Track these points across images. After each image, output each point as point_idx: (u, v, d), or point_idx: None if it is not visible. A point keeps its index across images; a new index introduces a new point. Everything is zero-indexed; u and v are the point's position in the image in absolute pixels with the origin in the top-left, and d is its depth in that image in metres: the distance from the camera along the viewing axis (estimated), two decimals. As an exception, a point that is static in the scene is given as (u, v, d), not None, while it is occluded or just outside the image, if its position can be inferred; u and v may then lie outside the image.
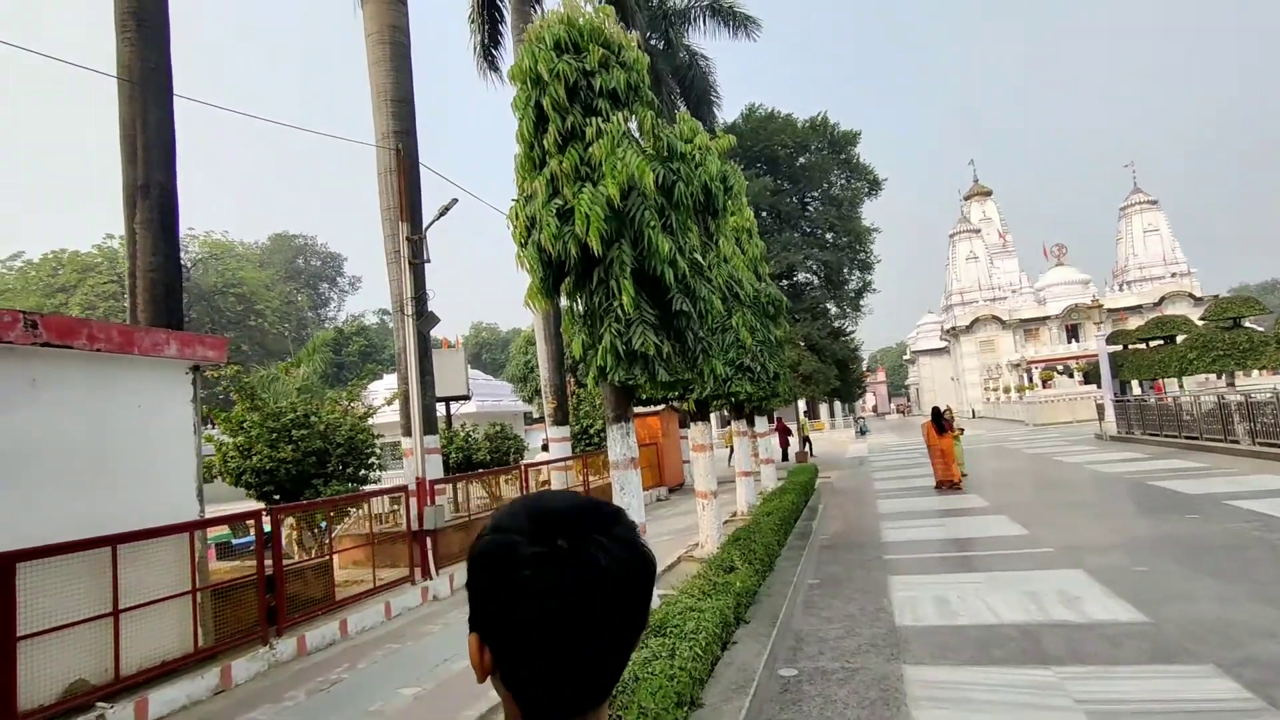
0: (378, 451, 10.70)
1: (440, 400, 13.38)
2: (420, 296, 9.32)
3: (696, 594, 5.81)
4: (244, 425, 9.27)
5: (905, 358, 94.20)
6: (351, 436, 9.63)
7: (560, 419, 16.10)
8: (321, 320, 71.62)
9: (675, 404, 21.04)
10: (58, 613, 5.19)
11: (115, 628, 5.50)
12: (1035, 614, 6.06)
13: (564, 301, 7.35)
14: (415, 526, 9.13)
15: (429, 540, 9.18)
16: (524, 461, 13.64)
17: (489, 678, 0.74)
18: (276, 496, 9.31)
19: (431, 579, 9.10)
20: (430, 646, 6.90)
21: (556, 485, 15.46)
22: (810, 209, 24.17)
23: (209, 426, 10.00)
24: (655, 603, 6.95)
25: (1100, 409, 25.35)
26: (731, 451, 24.19)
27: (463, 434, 13.23)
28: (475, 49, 19.25)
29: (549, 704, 0.71)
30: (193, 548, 6.22)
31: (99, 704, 5.29)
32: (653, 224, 6.55)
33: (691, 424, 10.49)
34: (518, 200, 7.17)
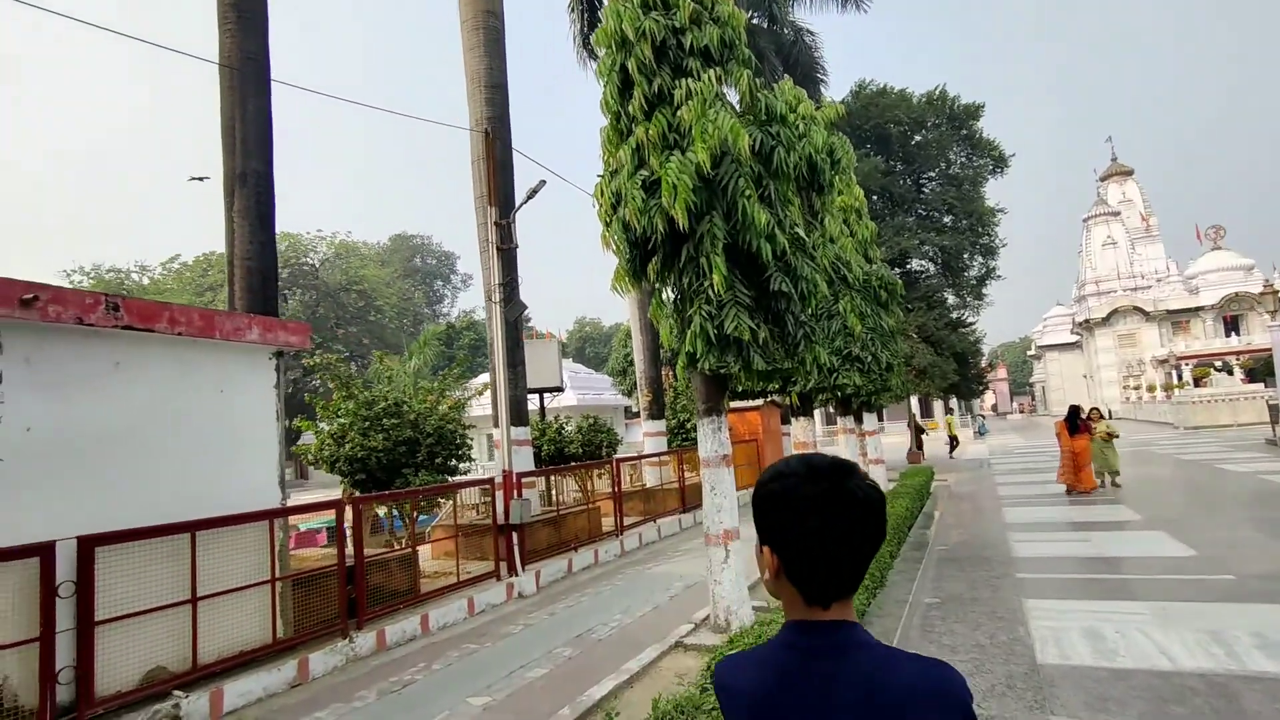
0: (469, 442, 10.55)
1: (532, 392, 13.18)
2: (508, 283, 9.03)
3: (795, 613, 5.08)
4: (339, 413, 9.31)
5: (1030, 353, 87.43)
6: (440, 426, 9.48)
7: (655, 413, 15.59)
8: (436, 316, 74.92)
9: (776, 398, 20.08)
10: (137, 598, 5.15)
11: (193, 615, 5.43)
12: (1225, 662, 4.90)
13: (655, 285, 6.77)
14: (501, 520, 8.85)
15: (514, 535, 8.87)
16: (617, 456, 13.21)
17: (774, 581, 1.10)
18: (370, 485, 9.31)
19: (517, 575, 8.79)
20: (508, 650, 6.52)
21: (650, 482, 14.95)
22: (926, 190, 22.34)
23: (305, 417, 10.17)
24: (752, 618, 6.25)
25: (1274, 410, 22.08)
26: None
27: (555, 426, 12.97)
28: (574, 38, 19.02)
29: (820, 591, 1.06)
30: (273, 535, 6.11)
31: (175, 692, 5.22)
32: (748, 193, 5.84)
33: (793, 420, 9.67)
34: (603, 176, 6.64)
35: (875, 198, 21.04)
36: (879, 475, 15.53)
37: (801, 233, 6.46)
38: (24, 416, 4.79)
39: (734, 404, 17.57)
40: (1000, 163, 22.27)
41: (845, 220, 10.03)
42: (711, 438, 6.54)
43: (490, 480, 9.02)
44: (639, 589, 8.65)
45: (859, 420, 16.42)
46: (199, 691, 5.28)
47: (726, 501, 6.47)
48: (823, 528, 1.02)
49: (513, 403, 11.11)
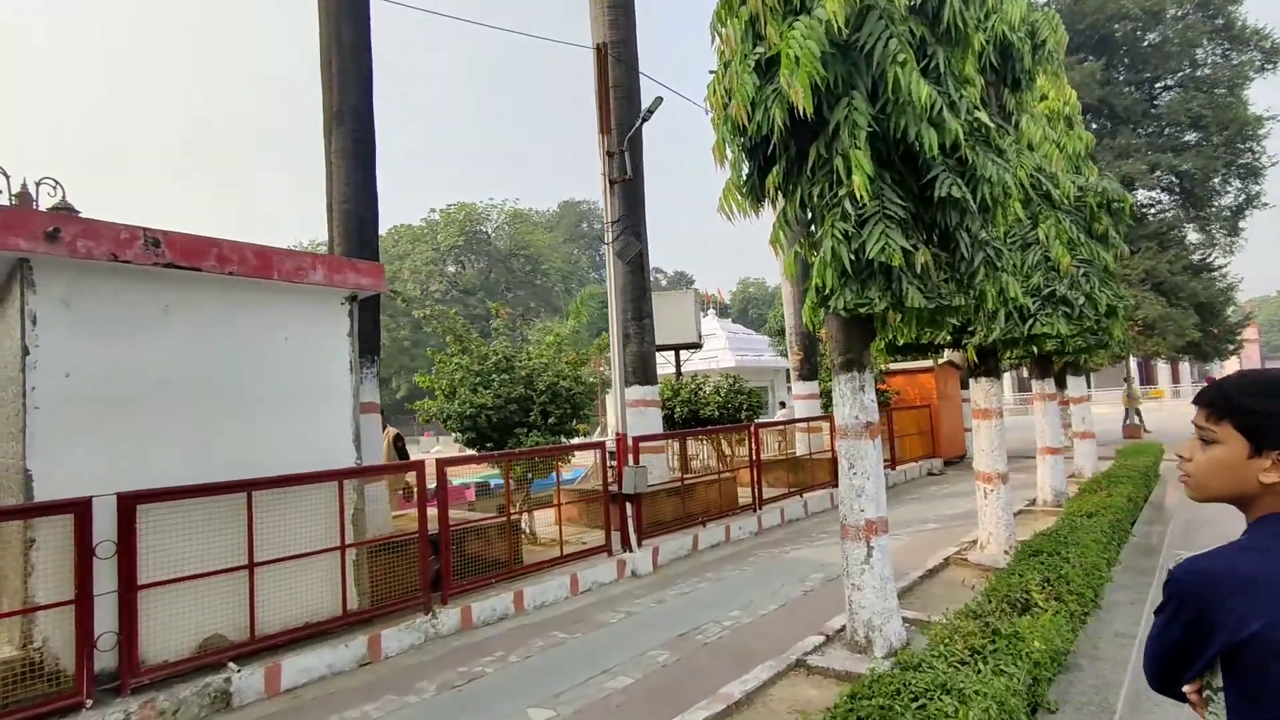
0: (594, 402, 9.69)
1: (665, 348, 12.08)
2: (624, 220, 7.89)
3: (961, 653, 3.52)
4: (453, 369, 8.80)
5: (1292, 309, 72.02)
6: (554, 383, 8.66)
7: (807, 373, 13.89)
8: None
9: (954, 358, 17.37)
10: (187, 562, 4.73)
11: (250, 582, 4.95)
12: None
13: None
14: (615, 488, 7.88)
15: (629, 506, 7.88)
16: (759, 421, 11.78)
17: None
18: (482, 444, 8.75)
19: (631, 551, 7.81)
20: (598, 645, 5.53)
21: (801, 450, 13.37)
22: (1161, 103, 17.94)
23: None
24: (901, 636, 4.71)
25: None
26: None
27: (689, 386, 11.78)
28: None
29: None
30: (342, 498, 5.53)
31: (230, 664, 4.78)
32: (902, 58, 4.16)
33: (972, 382, 7.70)
34: (715, 71, 5.19)
35: (1088, 115, 17.22)
36: (1087, 452, 12.75)
37: (984, 118, 4.63)
38: (62, 362, 4.43)
39: (901, 364, 15.32)
40: (1273, 55, 17.25)
41: (1050, 126, 7.71)
42: (850, 399, 5.01)
43: (601, 444, 8.05)
44: (769, 577, 7.32)
45: (1060, 385, 13.57)
46: (254, 665, 4.81)
47: (870, 484, 4.94)
48: None
49: (638, 359, 10.07)
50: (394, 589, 5.89)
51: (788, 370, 37.07)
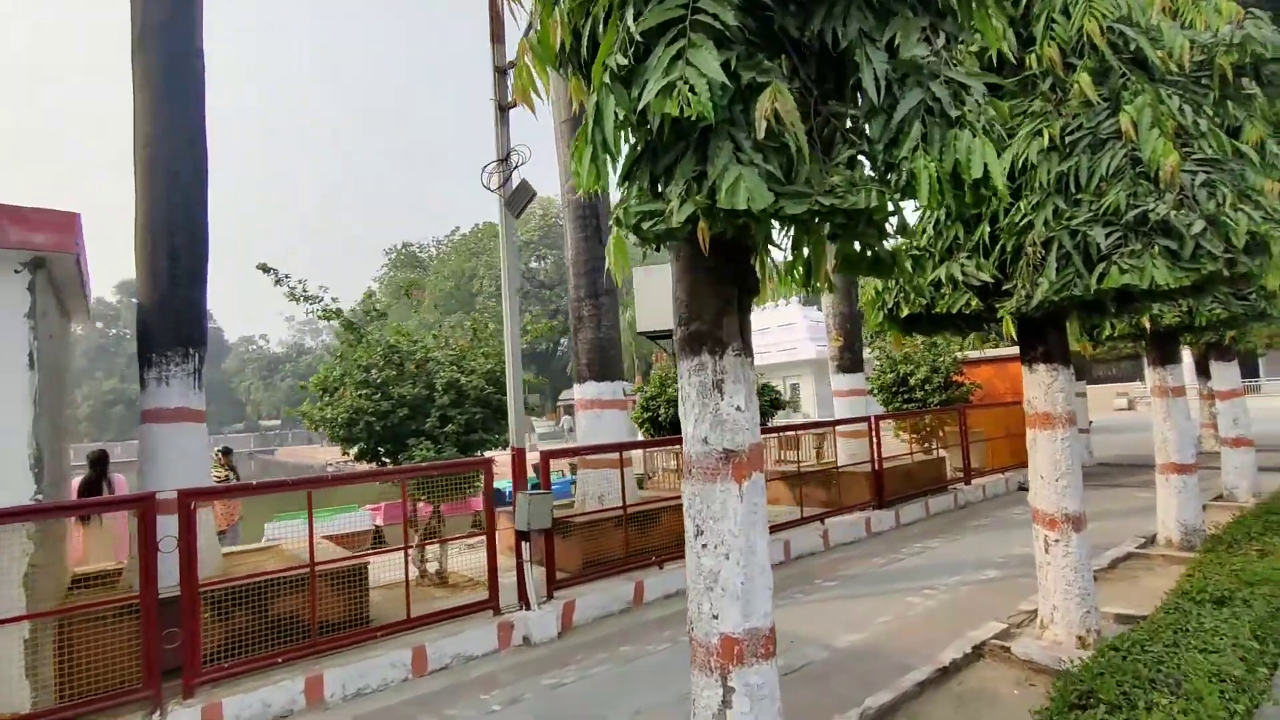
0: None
1: (655, 336, 9.81)
2: (511, 159, 5.75)
3: None
4: (334, 367, 7.06)
5: None
6: (456, 381, 6.68)
7: (848, 364, 11.15)
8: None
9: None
10: None
11: None
12: None
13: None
14: (518, 524, 5.77)
15: (525, 546, 5.77)
16: (779, 422, 9.28)
17: None
18: (381, 457, 6.93)
19: (531, 609, 5.70)
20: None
21: (843, 458, 10.72)
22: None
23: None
24: None
25: None
26: None
27: (671, 383, 9.41)
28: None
29: None
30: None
31: None
32: None
33: (1026, 371, 5.03)
34: None
35: None
36: (1242, 465, 9.32)
37: None
38: None
39: (991, 351, 12.22)
40: None
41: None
42: (698, 406, 2.68)
43: (484, 462, 5.96)
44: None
45: (1204, 372, 10.17)
46: None
47: (737, 570, 2.60)
48: None
49: (593, 348, 7.92)
50: (108, 677, 4.11)
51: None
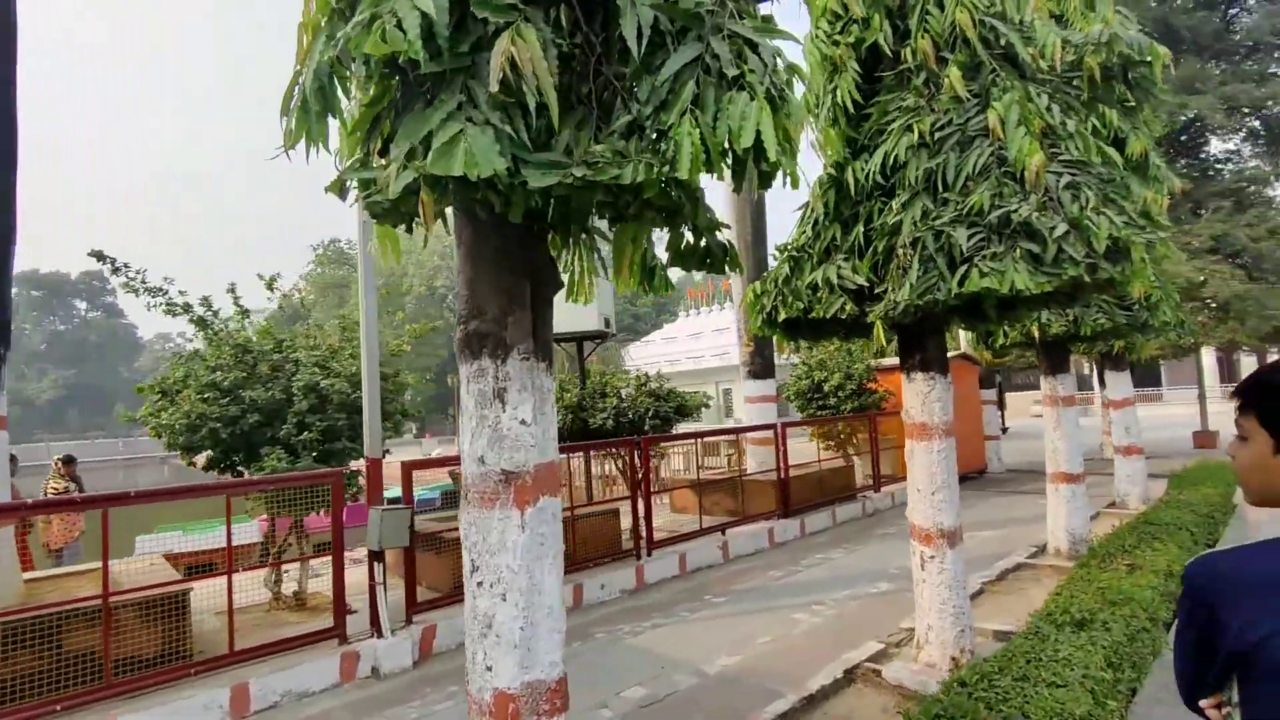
0: (407, 406, 7.17)
1: (567, 339, 9.40)
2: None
3: None
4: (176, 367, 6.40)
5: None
6: (315, 384, 6.11)
7: (759, 369, 10.98)
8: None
9: (969, 350, 14.11)
10: None
11: None
12: None
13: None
14: (369, 543, 5.25)
15: (378, 567, 5.25)
16: (650, 435, 8.96)
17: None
18: (234, 467, 6.29)
19: (381, 636, 5.19)
20: None
21: (752, 466, 10.56)
22: (1239, 25, 14.16)
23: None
24: None
25: None
26: None
27: (595, 386, 8.95)
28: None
29: None
30: None
31: None
32: None
33: (905, 380, 4.82)
34: None
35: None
36: (1134, 473, 9.52)
37: None
38: None
39: (887, 360, 12.25)
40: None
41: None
42: (474, 415, 2.28)
43: (333, 474, 5.42)
44: (594, 677, 4.59)
45: (1053, 372, 10.38)
46: None
47: (514, 621, 2.20)
48: None
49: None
50: None
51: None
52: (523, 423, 2.28)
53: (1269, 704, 1.01)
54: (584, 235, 2.57)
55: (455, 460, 6.99)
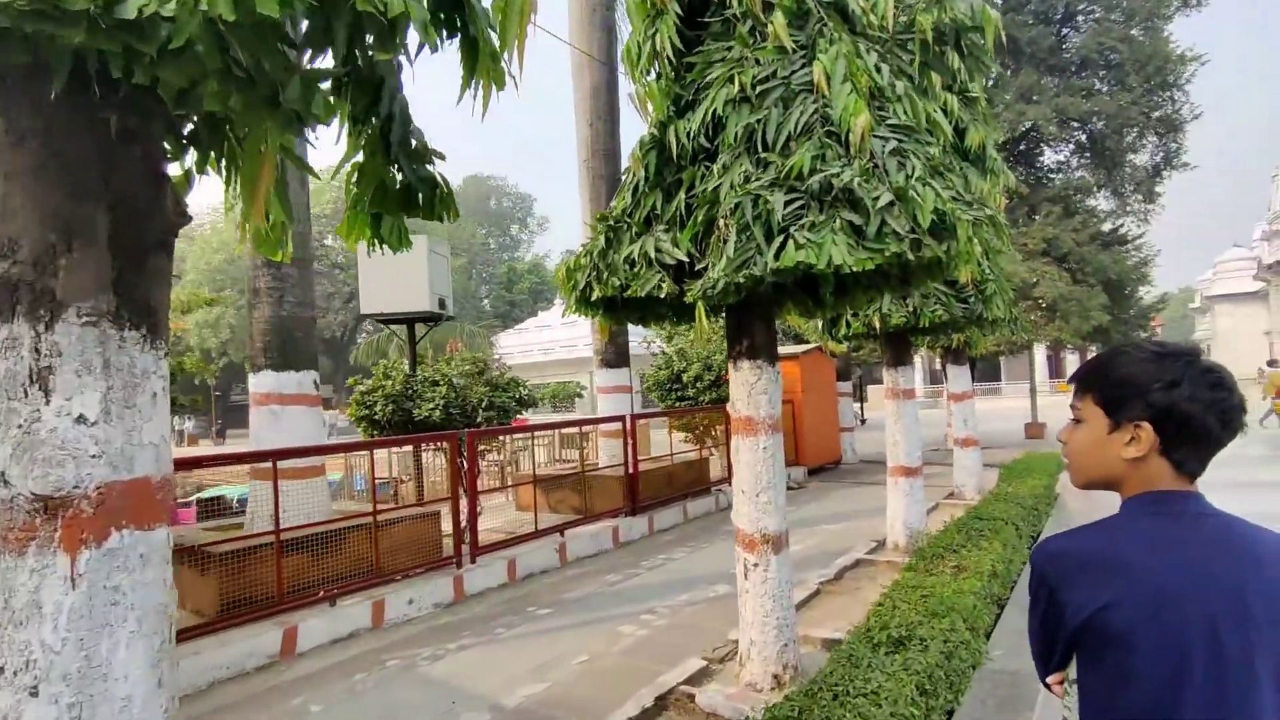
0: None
1: (393, 320, 8.40)
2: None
3: None
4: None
5: (1192, 306, 73.78)
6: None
7: (613, 358, 10.45)
8: (511, 261, 71.68)
9: (831, 343, 14.32)
10: None
11: None
12: None
13: None
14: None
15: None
16: (475, 428, 8.20)
17: (1141, 458, 1.12)
18: None
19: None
20: None
21: (605, 458, 10.02)
22: (1070, 42, 15.20)
23: None
24: None
25: None
26: None
27: (396, 375, 7.94)
28: None
29: (1194, 466, 1.12)
30: None
31: None
32: None
33: (731, 364, 4.33)
34: None
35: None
36: (970, 464, 9.78)
37: None
38: None
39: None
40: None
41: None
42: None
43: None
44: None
45: (896, 364, 10.45)
46: None
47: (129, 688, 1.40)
48: (1221, 403, 1.09)
49: (274, 330, 6.39)
50: None
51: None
52: (80, 420, 1.49)
53: (1101, 675, 1.08)
54: (229, 137, 1.79)
55: (243, 459, 5.93)
